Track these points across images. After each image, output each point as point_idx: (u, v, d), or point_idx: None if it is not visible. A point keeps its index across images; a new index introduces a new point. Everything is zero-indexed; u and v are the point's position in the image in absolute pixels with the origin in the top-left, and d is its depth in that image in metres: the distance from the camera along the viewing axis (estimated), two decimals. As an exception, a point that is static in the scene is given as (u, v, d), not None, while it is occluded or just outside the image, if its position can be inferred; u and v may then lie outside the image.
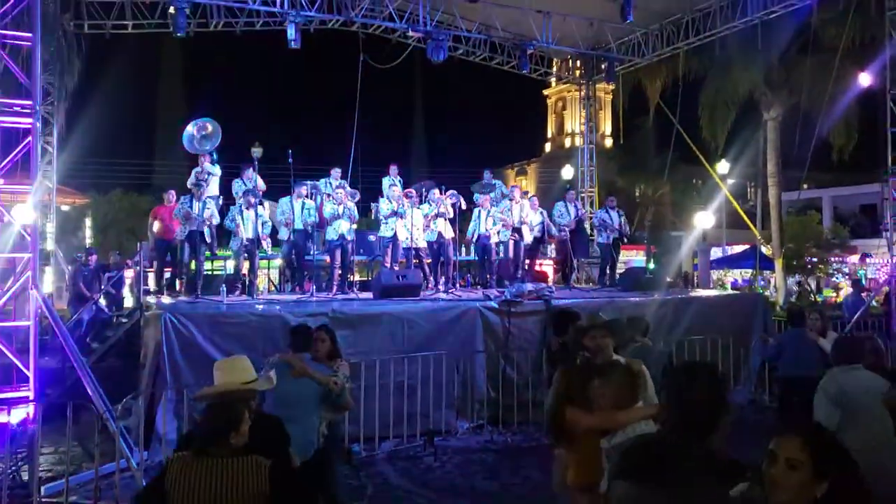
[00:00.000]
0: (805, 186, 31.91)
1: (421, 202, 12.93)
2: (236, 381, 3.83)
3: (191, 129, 11.67)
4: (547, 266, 16.71)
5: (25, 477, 7.27)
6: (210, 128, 11.70)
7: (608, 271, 14.41)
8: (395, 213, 12.19)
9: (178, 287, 11.62)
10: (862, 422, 4.34)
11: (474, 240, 13.19)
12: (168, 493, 3.32)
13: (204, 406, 3.82)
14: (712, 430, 2.62)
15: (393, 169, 13.71)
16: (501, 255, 13.26)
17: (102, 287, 13.12)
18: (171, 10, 14.27)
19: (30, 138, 7.69)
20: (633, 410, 3.88)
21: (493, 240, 12.97)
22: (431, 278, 12.57)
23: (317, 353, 5.64)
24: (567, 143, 46.31)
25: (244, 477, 3.34)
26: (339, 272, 11.83)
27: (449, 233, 12.38)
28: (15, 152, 7.63)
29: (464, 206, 13.17)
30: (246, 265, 11.71)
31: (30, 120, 7.71)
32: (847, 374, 4.71)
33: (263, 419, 3.98)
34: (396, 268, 12.10)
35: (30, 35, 7.89)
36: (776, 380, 9.77)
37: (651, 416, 3.77)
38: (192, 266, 11.20)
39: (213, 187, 11.96)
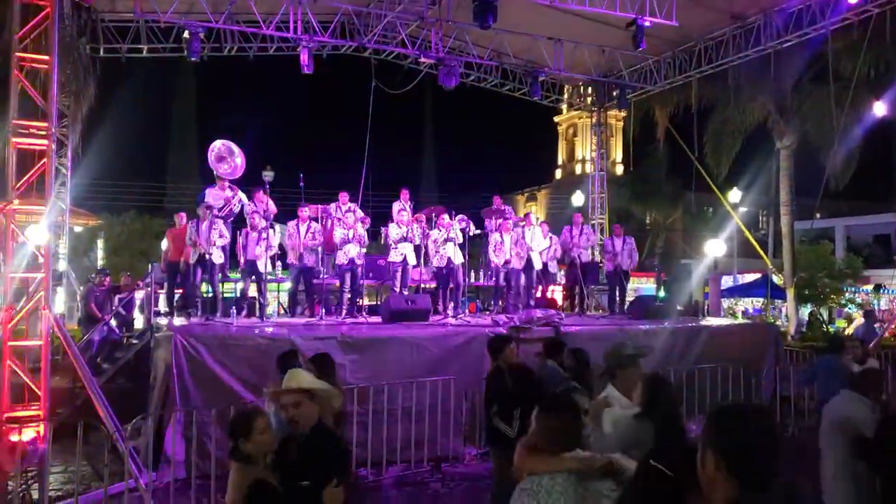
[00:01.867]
0: (818, 215, 31.79)
1: (430, 227, 12.97)
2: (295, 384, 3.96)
3: (219, 153, 11.77)
4: (557, 293, 16.67)
5: (35, 495, 7.28)
6: (238, 160, 11.88)
7: (618, 299, 14.38)
8: (404, 238, 12.22)
9: (188, 309, 11.65)
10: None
11: (501, 264, 13.09)
12: None
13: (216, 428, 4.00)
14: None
15: (404, 194, 13.77)
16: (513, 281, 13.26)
17: (113, 308, 13.18)
18: (186, 34, 14.47)
19: (45, 160, 7.78)
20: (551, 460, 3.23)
21: (514, 265, 13.01)
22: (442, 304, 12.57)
23: None
24: (578, 169, 46.31)
25: (232, 485, 3.66)
26: (349, 296, 11.84)
27: (458, 258, 12.39)
28: (30, 173, 7.72)
29: (472, 232, 13.19)
30: (253, 287, 11.75)
31: (45, 142, 7.81)
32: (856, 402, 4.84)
33: (321, 434, 3.98)
34: (406, 292, 12.11)
35: (47, 58, 8.01)
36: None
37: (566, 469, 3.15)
38: (203, 288, 11.23)
39: (236, 213, 12.05)
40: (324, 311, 11.49)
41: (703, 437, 2.31)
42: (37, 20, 8.07)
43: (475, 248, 14.00)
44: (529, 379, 6.63)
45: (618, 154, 42.81)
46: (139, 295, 14.01)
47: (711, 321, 13.88)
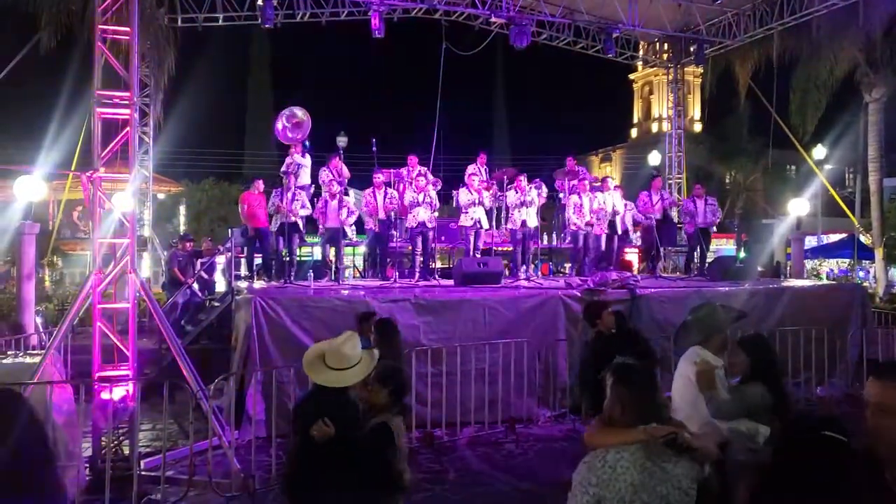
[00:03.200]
0: (910, 172, 30.35)
1: (502, 190, 12.91)
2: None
3: (282, 121, 11.90)
4: (632, 255, 16.42)
5: (126, 451, 7.64)
6: (300, 115, 11.90)
7: (696, 260, 14.08)
8: (474, 203, 12.16)
9: (269, 273, 11.92)
10: None
11: (582, 226, 12.97)
12: None
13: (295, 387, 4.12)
14: None
15: (481, 158, 13.70)
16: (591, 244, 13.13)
17: (196, 272, 13.59)
18: (260, 1, 14.64)
19: (128, 129, 8.00)
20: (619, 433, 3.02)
21: (594, 229, 12.90)
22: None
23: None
24: (654, 128, 45.22)
25: None
26: (421, 259, 11.92)
27: (533, 221, 12.30)
28: (114, 142, 7.95)
29: (545, 196, 13.04)
30: (331, 252, 11.95)
31: (128, 111, 8.02)
32: None
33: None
34: (478, 255, 12.12)
35: (128, 30, 8.20)
36: None
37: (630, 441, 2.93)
38: (284, 254, 11.48)
39: (304, 177, 12.22)
40: (397, 273, 11.61)
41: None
42: (117, -8, 8.27)
43: (547, 210, 13.85)
44: (634, 342, 6.57)
45: (695, 111, 41.56)
46: (220, 259, 14.41)
47: (794, 282, 13.48)
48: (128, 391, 7.36)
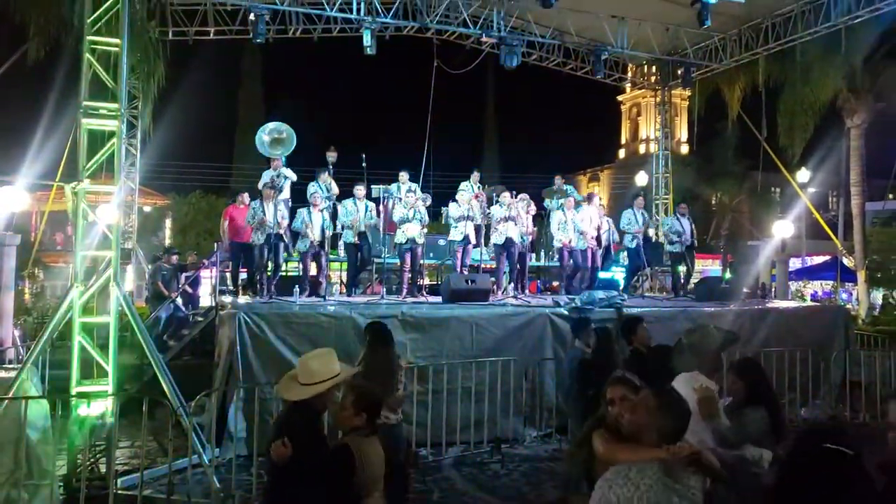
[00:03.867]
0: (891, 196, 30.64)
1: (490, 205, 12.90)
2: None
3: (263, 135, 11.88)
4: (618, 274, 16.43)
5: (103, 469, 7.50)
6: (284, 133, 11.89)
7: (682, 280, 14.08)
8: (465, 217, 12.15)
9: (253, 288, 11.81)
10: None
11: (567, 242, 12.95)
12: None
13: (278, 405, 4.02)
14: None
15: (474, 176, 13.74)
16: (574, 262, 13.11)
17: (180, 286, 13.47)
18: (252, 16, 14.62)
19: (115, 140, 7.94)
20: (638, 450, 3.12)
21: (579, 245, 12.88)
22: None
23: None
24: (642, 149, 45.54)
25: None
26: (409, 275, 11.86)
27: (519, 237, 12.27)
28: (100, 154, 7.88)
29: (533, 211, 13.04)
30: (313, 267, 11.86)
31: (115, 122, 7.96)
32: None
33: None
34: (466, 272, 12.08)
35: (118, 41, 8.16)
36: None
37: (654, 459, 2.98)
38: (270, 268, 11.38)
39: (286, 191, 12.17)
40: (385, 290, 11.55)
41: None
42: (108, 4, 8.22)
43: (537, 228, 13.84)
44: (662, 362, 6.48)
45: (682, 133, 41.91)
46: (205, 273, 14.29)
47: (779, 303, 13.51)
48: (106, 407, 7.24)
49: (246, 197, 12.49)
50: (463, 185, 13.43)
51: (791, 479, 2.48)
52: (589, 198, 13.89)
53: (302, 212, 11.41)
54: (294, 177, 12.40)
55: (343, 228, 12.01)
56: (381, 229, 12.72)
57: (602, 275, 13.70)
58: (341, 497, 3.83)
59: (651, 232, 16.20)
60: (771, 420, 4.27)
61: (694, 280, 14.72)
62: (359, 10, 14.67)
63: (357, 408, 3.97)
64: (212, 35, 16.47)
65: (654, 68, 20.87)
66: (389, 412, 5.82)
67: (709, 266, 28.63)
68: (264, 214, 11.00)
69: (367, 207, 11.99)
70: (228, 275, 13.06)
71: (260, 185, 11.81)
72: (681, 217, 13.93)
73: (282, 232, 11.18)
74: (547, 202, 14.23)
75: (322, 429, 4.17)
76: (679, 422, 3.10)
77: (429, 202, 12.34)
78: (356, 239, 11.89)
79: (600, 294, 10.87)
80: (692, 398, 4.27)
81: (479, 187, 13.47)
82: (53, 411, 6.92)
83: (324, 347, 4.44)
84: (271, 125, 11.95)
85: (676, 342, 5.05)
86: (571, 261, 12.93)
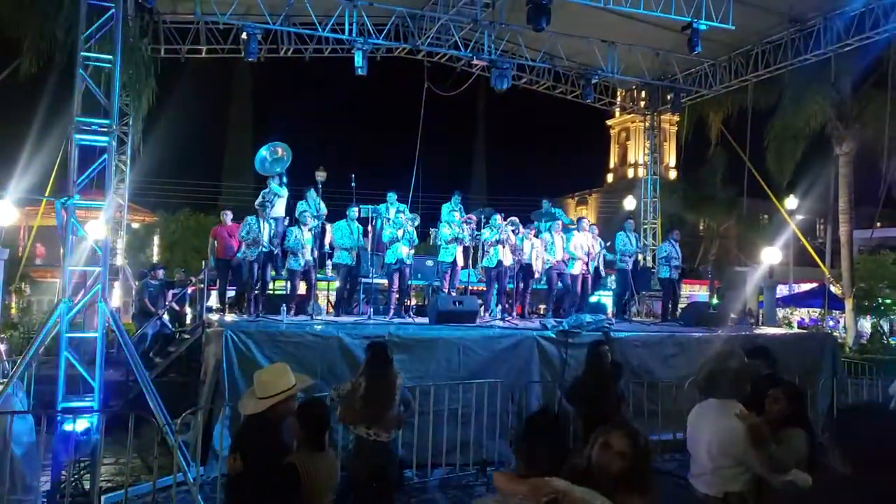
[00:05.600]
0: (878, 224, 30.91)
1: (479, 228, 12.94)
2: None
3: (263, 152, 11.99)
4: (606, 298, 16.48)
5: (87, 486, 7.43)
6: (281, 151, 12.00)
7: (670, 305, 14.14)
8: (455, 239, 12.21)
9: (242, 305, 11.79)
10: None
11: (555, 264, 13.01)
12: None
13: None
14: None
15: (456, 196, 13.75)
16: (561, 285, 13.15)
17: (167, 303, 13.42)
18: (244, 35, 14.71)
19: (105, 156, 7.95)
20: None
21: (568, 269, 12.92)
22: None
23: None
24: (630, 173, 45.88)
25: None
26: (397, 296, 11.87)
27: (508, 260, 12.33)
28: (91, 169, 7.90)
29: (521, 234, 13.08)
30: (303, 286, 11.85)
31: (106, 139, 7.98)
32: None
33: None
34: (454, 294, 12.10)
35: (111, 58, 8.19)
36: None
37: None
38: (257, 287, 11.36)
39: (278, 208, 12.18)
40: (372, 310, 11.54)
41: None
42: (101, 21, 8.27)
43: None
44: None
45: (671, 159, 42.24)
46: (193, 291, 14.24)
47: (766, 330, 13.56)
48: (91, 423, 7.19)
49: (227, 216, 12.52)
50: (445, 207, 13.43)
51: None
52: (578, 222, 13.97)
53: (294, 230, 11.42)
54: (285, 193, 12.38)
55: (336, 248, 12.02)
56: (368, 249, 12.73)
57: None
58: None
59: (639, 256, 16.27)
60: (809, 443, 4.26)
61: (681, 305, 14.77)
62: (350, 31, 14.77)
63: (300, 423, 4.04)
64: (204, 53, 16.53)
65: (643, 93, 21.08)
66: (382, 430, 5.84)
67: (696, 291, 28.73)
68: (259, 231, 11.01)
69: (359, 229, 12.02)
70: (215, 292, 13.03)
71: (256, 204, 11.84)
72: (674, 242, 14.02)
73: (273, 250, 11.19)
74: (535, 224, 14.29)
75: (280, 440, 4.21)
76: (536, 447, 3.01)
77: (417, 223, 12.38)
78: (349, 260, 11.90)
79: (587, 318, 10.90)
80: (730, 428, 4.11)
81: (460, 208, 13.49)
82: (39, 426, 6.85)
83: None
84: (269, 145, 12.12)
85: (709, 368, 4.55)
86: (560, 283, 12.99)
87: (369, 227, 12.99)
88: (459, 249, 12.26)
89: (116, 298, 17.54)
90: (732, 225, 37.16)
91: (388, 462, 5.94)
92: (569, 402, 7.78)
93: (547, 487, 2.72)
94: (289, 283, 11.73)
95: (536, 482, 2.77)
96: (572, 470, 2.98)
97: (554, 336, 10.30)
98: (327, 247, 12.25)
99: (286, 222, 12.26)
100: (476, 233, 13.04)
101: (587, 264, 13.15)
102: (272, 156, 11.98)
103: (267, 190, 11.94)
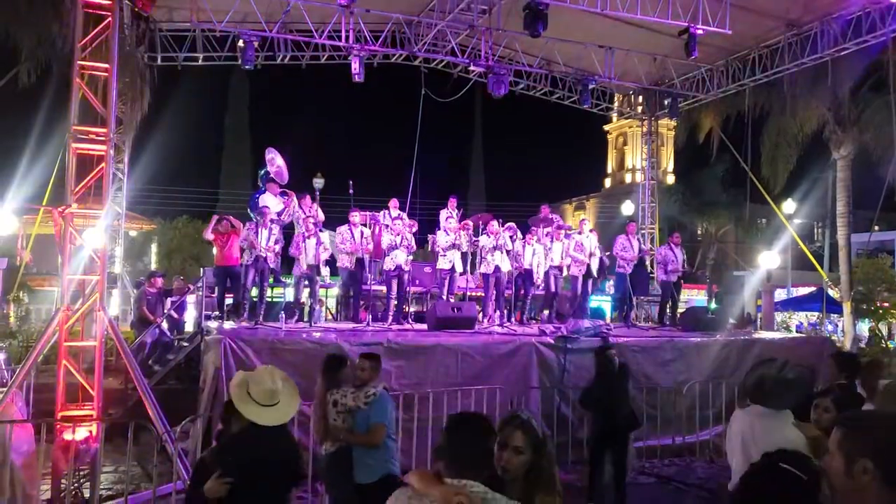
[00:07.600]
0: (877, 228, 30.91)
1: (477, 235, 12.96)
2: None
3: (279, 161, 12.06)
4: (604, 303, 16.48)
5: (87, 494, 7.42)
6: (278, 161, 12.06)
7: (668, 310, 14.15)
8: (452, 246, 12.21)
9: (239, 312, 11.78)
10: None
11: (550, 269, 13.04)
12: None
13: None
14: None
15: (452, 202, 13.76)
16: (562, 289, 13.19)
17: (165, 311, 13.40)
18: (241, 43, 14.72)
19: (103, 165, 7.95)
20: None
21: (564, 273, 12.96)
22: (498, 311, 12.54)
23: (357, 380, 5.83)
24: (627, 178, 45.87)
25: None
26: (395, 302, 11.87)
27: (506, 266, 12.34)
28: (89, 178, 7.90)
29: (520, 239, 13.11)
30: (305, 292, 11.85)
31: (104, 147, 7.99)
32: None
33: None
34: (452, 300, 12.10)
35: (107, 66, 8.20)
36: None
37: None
38: (254, 292, 11.36)
39: (274, 210, 12.18)
40: (370, 317, 11.54)
41: (848, 445, 2.17)
42: (98, 29, 8.28)
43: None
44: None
45: (669, 163, 42.21)
46: (191, 298, 14.22)
47: (764, 334, 13.57)
48: (91, 432, 7.19)
49: (215, 220, 12.60)
50: (443, 212, 13.45)
51: (742, 496, 2.55)
52: (580, 224, 14.03)
53: (295, 237, 11.43)
54: (272, 205, 12.24)
55: (338, 254, 12.02)
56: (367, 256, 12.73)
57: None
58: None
59: (646, 259, 16.23)
60: None
61: (679, 310, 14.76)
62: (347, 38, 14.80)
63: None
64: (200, 61, 16.53)
65: (640, 98, 21.08)
66: (323, 442, 5.83)
67: (694, 296, 28.74)
68: (256, 237, 11.03)
69: (362, 234, 11.99)
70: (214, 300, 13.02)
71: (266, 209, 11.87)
72: (674, 247, 14.02)
73: (270, 255, 11.18)
74: (534, 231, 14.31)
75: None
76: (457, 445, 2.86)
77: (415, 229, 12.39)
78: (352, 265, 11.88)
79: (586, 323, 10.91)
80: (790, 440, 3.95)
81: (457, 214, 13.50)
82: (38, 435, 6.84)
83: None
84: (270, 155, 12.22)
85: (760, 374, 4.35)
86: (556, 287, 13.01)
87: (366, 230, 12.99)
88: (457, 256, 12.26)
89: (115, 306, 17.53)
90: (731, 229, 37.21)
91: (333, 474, 5.86)
92: (583, 408, 7.82)
93: (458, 496, 2.58)
94: (288, 289, 11.74)
95: (446, 489, 2.63)
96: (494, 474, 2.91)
97: (553, 342, 10.31)
98: (327, 254, 12.24)
99: (282, 226, 12.24)
100: (473, 239, 13.06)
101: (587, 266, 13.17)
102: (272, 165, 12.01)
103: (265, 197, 11.96)
